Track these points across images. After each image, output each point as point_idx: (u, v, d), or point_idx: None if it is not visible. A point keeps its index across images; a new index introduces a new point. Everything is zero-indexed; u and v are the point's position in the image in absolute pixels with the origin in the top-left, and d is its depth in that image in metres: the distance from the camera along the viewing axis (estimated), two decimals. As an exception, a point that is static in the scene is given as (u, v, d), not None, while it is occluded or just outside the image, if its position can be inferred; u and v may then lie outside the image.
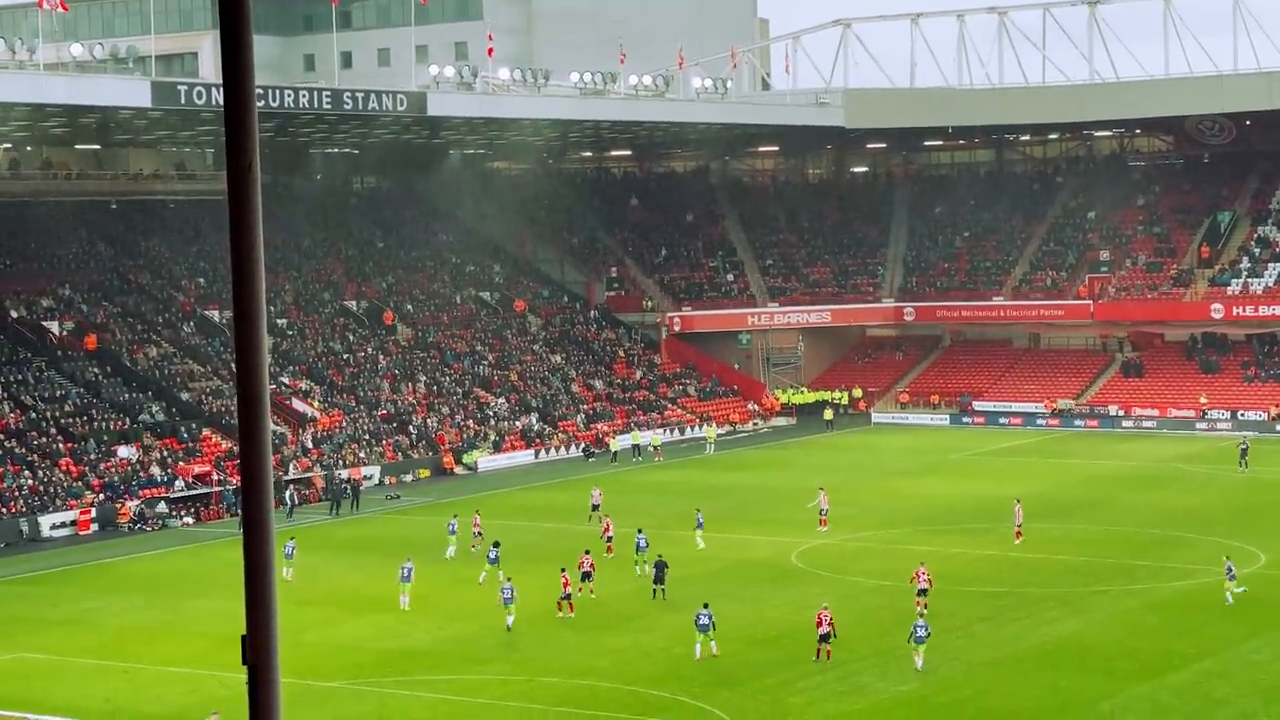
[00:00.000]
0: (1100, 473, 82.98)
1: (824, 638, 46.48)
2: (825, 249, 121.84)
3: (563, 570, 53.53)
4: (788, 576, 58.30)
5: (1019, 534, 63.07)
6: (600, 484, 76.40)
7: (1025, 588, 55.17)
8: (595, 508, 70.59)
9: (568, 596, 52.87)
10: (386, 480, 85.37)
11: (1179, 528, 65.78)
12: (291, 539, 61.10)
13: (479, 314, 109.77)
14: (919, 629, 45.76)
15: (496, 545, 58.85)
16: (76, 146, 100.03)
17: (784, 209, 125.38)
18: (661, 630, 50.84)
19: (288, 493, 77.02)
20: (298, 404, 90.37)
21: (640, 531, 59.73)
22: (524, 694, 44.23)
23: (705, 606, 47.90)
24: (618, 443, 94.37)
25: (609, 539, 62.89)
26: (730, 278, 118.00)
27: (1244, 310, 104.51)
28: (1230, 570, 52.48)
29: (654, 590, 55.11)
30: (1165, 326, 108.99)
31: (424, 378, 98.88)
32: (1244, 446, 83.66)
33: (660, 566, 55.65)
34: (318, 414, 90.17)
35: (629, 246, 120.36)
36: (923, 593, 51.71)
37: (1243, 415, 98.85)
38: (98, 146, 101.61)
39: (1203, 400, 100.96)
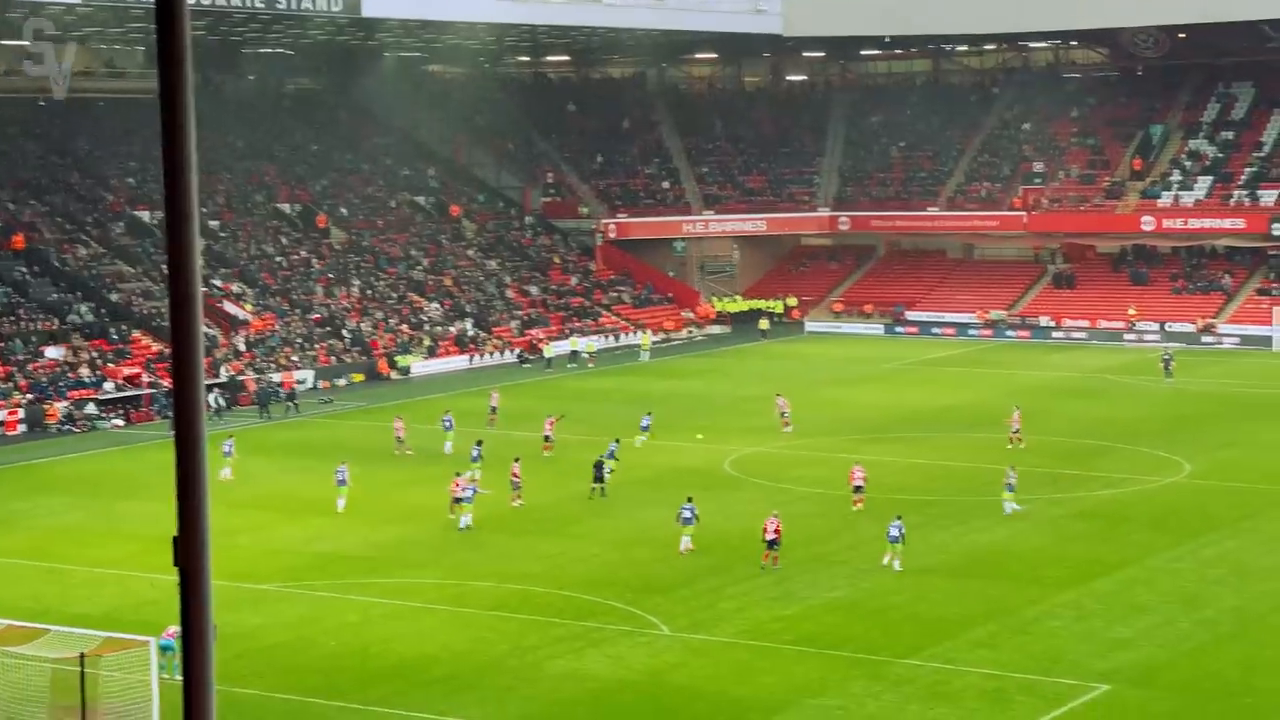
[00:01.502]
0: (1031, 383, 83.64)
1: (771, 544, 46.92)
2: (761, 157, 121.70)
3: (516, 459, 54.95)
4: (720, 484, 58.61)
5: (1018, 438, 63.63)
6: (533, 390, 76.50)
7: (956, 496, 55.70)
8: (493, 410, 71.52)
9: (518, 486, 53.94)
10: (320, 384, 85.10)
11: (1106, 437, 66.47)
12: (230, 438, 61.07)
13: (414, 218, 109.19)
14: (892, 529, 46.59)
15: (479, 444, 59.35)
16: (3, 43, 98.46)
17: (720, 117, 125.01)
18: (595, 536, 51.11)
19: (211, 396, 76.56)
20: (230, 307, 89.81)
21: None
22: (456, 598, 44.42)
23: (689, 500, 49.03)
24: (552, 349, 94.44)
25: (548, 438, 63.72)
26: (666, 185, 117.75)
27: (1174, 223, 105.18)
28: (1010, 484, 52.83)
29: (592, 489, 55.55)
30: (1097, 238, 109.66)
31: (358, 282, 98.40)
32: (1167, 358, 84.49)
33: (599, 466, 56.35)
34: (250, 317, 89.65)
35: (565, 152, 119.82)
36: (858, 489, 53.05)
37: (1170, 327, 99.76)
38: (25, 42, 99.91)
39: (1132, 312, 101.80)
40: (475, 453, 58.62)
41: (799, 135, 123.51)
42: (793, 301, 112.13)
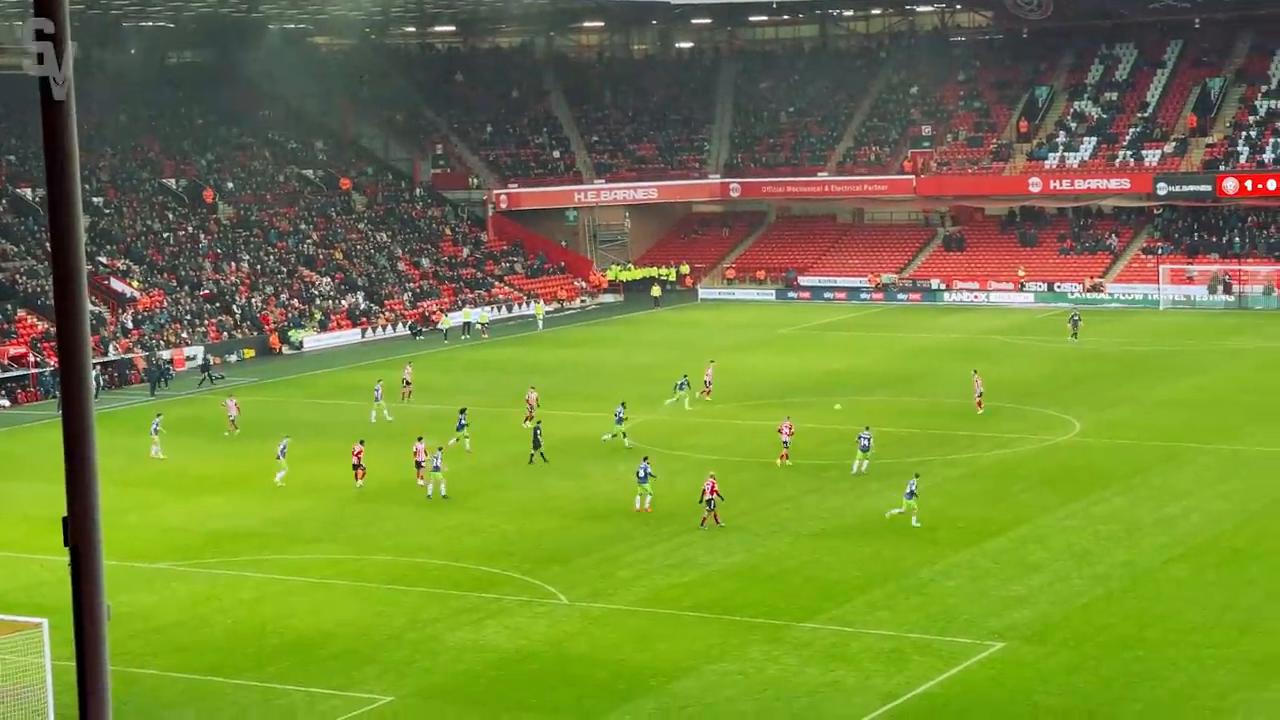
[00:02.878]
0: (923, 345, 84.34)
1: (709, 504, 47.44)
2: (651, 125, 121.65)
3: (419, 439, 54.39)
4: (616, 452, 58.66)
5: (980, 403, 63.91)
6: (433, 362, 76.14)
7: (850, 459, 56.02)
8: (406, 383, 71.09)
9: (421, 465, 53.54)
10: (210, 360, 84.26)
11: (998, 398, 67.10)
12: (158, 415, 60.71)
13: (302, 192, 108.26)
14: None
15: (463, 411, 59.36)
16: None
17: (610, 86, 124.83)
18: (492, 508, 51.01)
19: (93, 374, 75.61)
20: (116, 284, 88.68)
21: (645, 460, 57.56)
22: (354, 572, 44.21)
23: (645, 460, 49.85)
24: (447, 320, 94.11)
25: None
26: (556, 154, 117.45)
27: (1060, 184, 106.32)
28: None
29: (531, 455, 56.28)
30: (985, 200, 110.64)
31: (247, 257, 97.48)
32: (1076, 318, 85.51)
33: (537, 432, 57.09)
34: (137, 294, 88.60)
35: (454, 124, 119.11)
36: (785, 444, 55.15)
37: (1059, 287, 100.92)
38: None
39: (1021, 273, 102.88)
40: (461, 421, 58.58)
41: (688, 103, 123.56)
42: (685, 269, 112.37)
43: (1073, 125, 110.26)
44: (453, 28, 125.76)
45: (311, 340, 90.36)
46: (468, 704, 34.43)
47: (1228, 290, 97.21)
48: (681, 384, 66.54)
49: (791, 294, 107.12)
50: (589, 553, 45.50)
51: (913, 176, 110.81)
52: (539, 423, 58.64)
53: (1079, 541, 45.33)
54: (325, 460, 57.44)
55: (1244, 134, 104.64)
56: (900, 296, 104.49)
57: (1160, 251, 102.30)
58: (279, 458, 54.67)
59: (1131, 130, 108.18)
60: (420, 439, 54.62)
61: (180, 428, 65.81)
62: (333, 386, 77.09)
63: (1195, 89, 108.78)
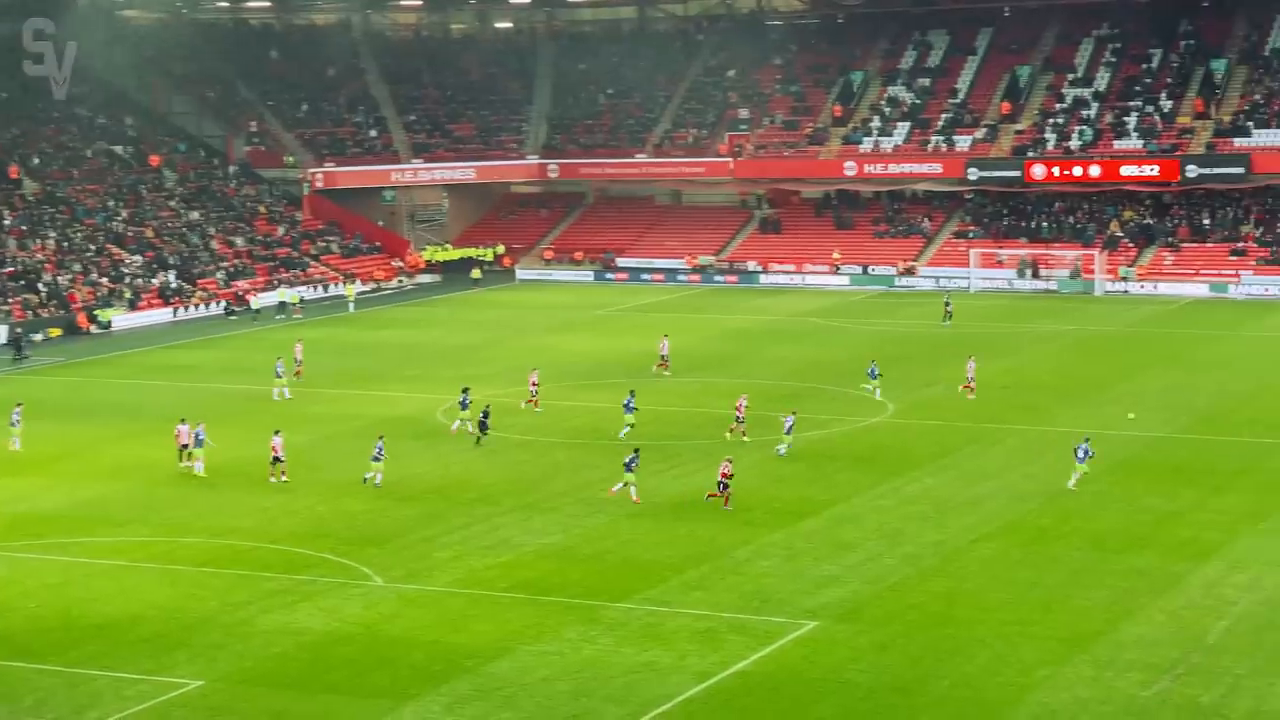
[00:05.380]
0: (739, 327, 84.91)
1: (723, 486, 47.29)
2: (469, 105, 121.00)
3: (277, 433, 52.38)
4: (433, 433, 58.34)
5: (970, 388, 63.68)
6: (246, 342, 75.09)
7: (667, 440, 56.25)
8: (298, 361, 69.89)
9: (277, 461, 51.55)
10: (24, 337, 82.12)
11: (814, 379, 67.81)
12: (18, 405, 57.66)
13: (111, 168, 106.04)
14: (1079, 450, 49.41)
15: (465, 391, 58.38)
16: None
17: (428, 65, 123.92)
18: (306, 489, 50.39)
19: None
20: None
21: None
22: (164, 555, 43.44)
23: (635, 451, 48.92)
24: (259, 300, 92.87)
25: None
26: (373, 134, 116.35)
27: (875, 168, 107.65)
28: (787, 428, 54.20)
29: (478, 437, 55.80)
30: (801, 184, 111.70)
31: (53, 234, 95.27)
32: (948, 302, 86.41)
33: (485, 414, 56.35)
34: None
35: (269, 101, 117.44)
36: (739, 419, 55.41)
37: (874, 270, 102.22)
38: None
39: (836, 256, 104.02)
40: (464, 400, 57.56)
41: (507, 83, 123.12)
42: (503, 249, 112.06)
43: (887, 110, 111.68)
44: (267, 3, 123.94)
45: (121, 319, 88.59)
46: (280, 687, 34.00)
47: (1036, 274, 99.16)
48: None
49: (609, 275, 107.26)
50: (405, 534, 45.18)
51: (730, 159, 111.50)
52: (487, 406, 57.63)
53: (891, 521, 45.96)
54: (136, 441, 56.35)
55: (1051, 121, 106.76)
56: (717, 278, 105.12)
57: (972, 235, 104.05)
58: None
59: (944, 116, 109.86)
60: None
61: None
62: (143, 366, 75.65)
63: (1005, 76, 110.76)
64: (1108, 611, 37.76)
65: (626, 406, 57.55)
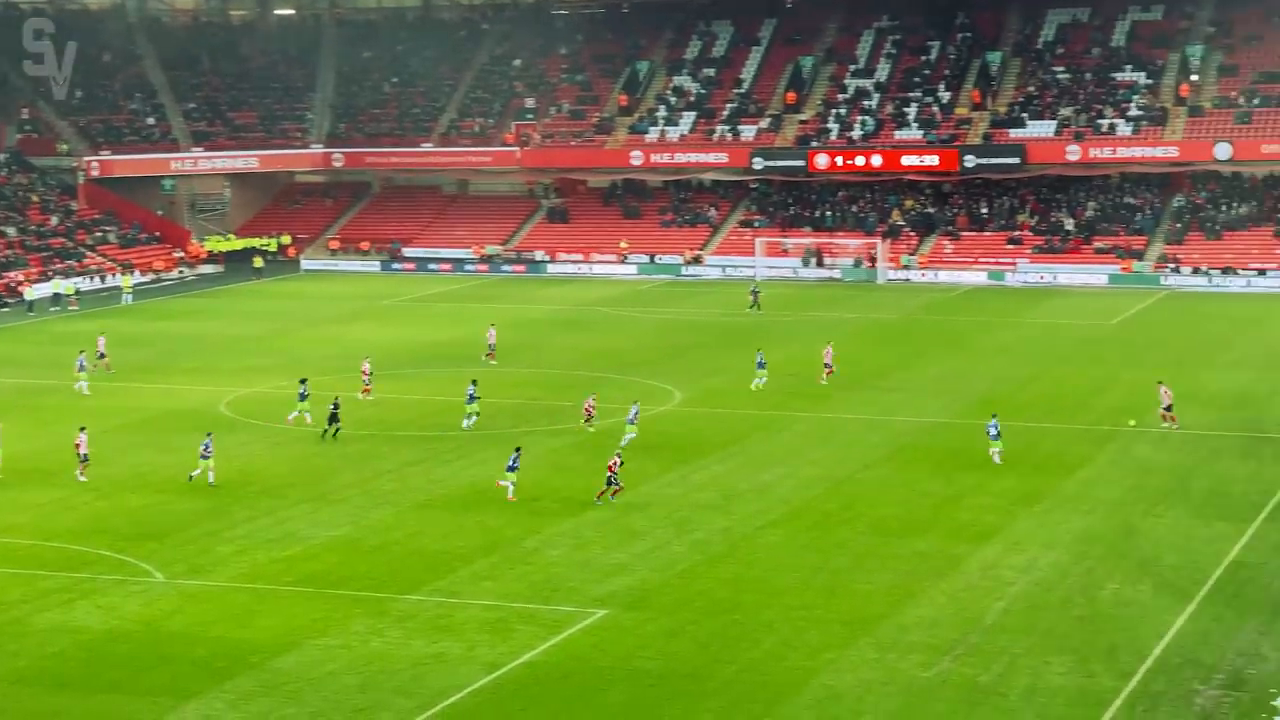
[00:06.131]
0: (528, 317, 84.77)
1: (610, 481, 46.60)
2: (251, 93, 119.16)
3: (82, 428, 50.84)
4: (216, 425, 57.26)
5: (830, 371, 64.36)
6: (19, 335, 73.08)
7: (456, 431, 55.98)
8: (101, 355, 68.03)
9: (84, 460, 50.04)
10: None
11: (601, 369, 67.97)
12: None
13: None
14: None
15: (304, 382, 57.05)
16: None
17: (207, 51, 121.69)
18: (84, 484, 49.14)
19: None
20: None
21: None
22: (-66, 556, 42.12)
23: (517, 450, 48.09)
24: (33, 292, 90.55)
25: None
26: (151, 121, 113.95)
27: (661, 158, 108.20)
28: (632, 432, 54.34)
29: (325, 430, 54.61)
30: (588, 173, 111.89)
31: None
32: (755, 290, 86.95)
33: (335, 406, 55.15)
34: None
35: (41, 87, 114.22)
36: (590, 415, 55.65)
37: (661, 259, 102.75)
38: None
39: (623, 245, 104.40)
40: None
41: (289, 71, 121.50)
42: (287, 240, 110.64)
43: (672, 100, 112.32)
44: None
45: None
46: (57, 687, 33.15)
47: (820, 263, 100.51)
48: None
49: (396, 265, 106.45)
50: (186, 528, 44.34)
51: (517, 149, 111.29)
52: (337, 398, 56.45)
53: (679, 509, 46.23)
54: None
55: (834, 112, 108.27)
56: (505, 268, 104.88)
57: (757, 225, 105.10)
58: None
59: (729, 106, 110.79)
60: (83, 429, 51.81)
61: None
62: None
63: (789, 67, 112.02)
64: (890, 594, 38.40)
65: (470, 397, 56.90)
